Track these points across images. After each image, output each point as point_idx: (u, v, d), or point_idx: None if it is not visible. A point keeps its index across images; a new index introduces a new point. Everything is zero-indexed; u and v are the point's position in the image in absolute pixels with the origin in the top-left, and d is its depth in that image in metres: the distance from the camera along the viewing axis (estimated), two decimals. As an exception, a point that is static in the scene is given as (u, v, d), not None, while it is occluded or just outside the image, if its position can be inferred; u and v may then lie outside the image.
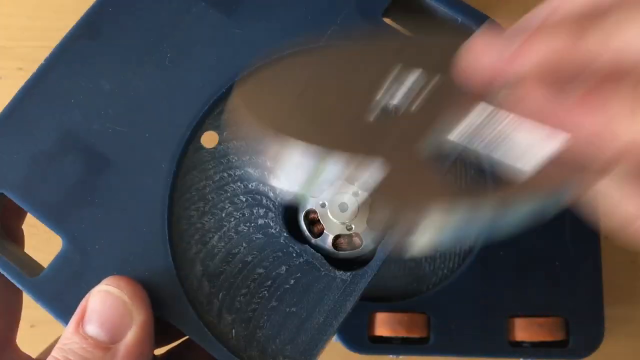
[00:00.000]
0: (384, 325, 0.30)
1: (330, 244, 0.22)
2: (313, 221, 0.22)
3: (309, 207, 0.22)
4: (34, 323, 0.24)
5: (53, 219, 0.22)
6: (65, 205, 0.22)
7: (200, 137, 0.23)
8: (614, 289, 0.33)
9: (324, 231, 0.22)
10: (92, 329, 0.19)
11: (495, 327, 0.30)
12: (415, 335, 0.30)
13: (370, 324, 0.30)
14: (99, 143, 0.22)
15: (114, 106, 0.23)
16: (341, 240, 0.22)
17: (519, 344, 0.30)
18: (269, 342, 0.21)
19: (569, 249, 0.31)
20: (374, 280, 0.22)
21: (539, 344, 0.30)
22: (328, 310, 0.22)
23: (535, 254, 0.31)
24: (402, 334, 0.30)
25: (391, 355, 0.31)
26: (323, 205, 0.22)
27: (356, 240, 0.22)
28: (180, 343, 0.25)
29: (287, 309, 0.22)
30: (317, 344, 0.21)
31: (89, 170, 0.22)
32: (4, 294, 0.23)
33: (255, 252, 0.22)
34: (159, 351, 0.26)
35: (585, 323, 0.30)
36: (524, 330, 0.30)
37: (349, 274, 0.22)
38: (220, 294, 0.22)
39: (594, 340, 0.30)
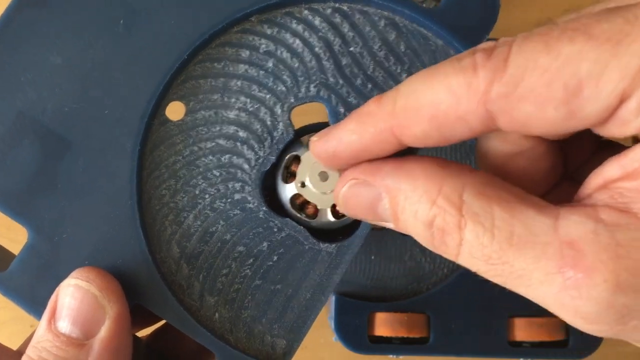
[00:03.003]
0: (384, 325, 0.30)
1: (332, 217, 0.21)
2: (302, 205, 0.22)
3: (290, 194, 0.21)
4: (34, 323, 0.24)
5: (15, 209, 0.21)
6: (27, 194, 0.21)
7: (164, 109, 0.22)
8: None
9: (318, 208, 0.21)
10: (64, 325, 0.19)
11: (495, 327, 0.31)
12: (415, 335, 0.30)
13: (370, 324, 0.31)
14: (56, 123, 0.21)
15: (69, 81, 0.21)
16: (309, 206, 0.21)
17: (519, 344, 0.31)
18: (255, 323, 0.21)
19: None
20: (360, 251, 0.21)
21: (538, 344, 0.31)
22: (315, 286, 0.21)
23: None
24: (402, 334, 0.30)
25: (391, 355, 0.31)
26: (303, 185, 0.21)
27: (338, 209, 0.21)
28: (163, 325, 0.25)
29: (272, 287, 0.21)
30: (306, 320, 0.21)
31: (48, 154, 0.21)
32: None
33: (234, 230, 0.21)
34: (145, 331, 0.25)
35: (585, 323, 0.31)
36: (524, 330, 0.30)
37: (334, 246, 0.21)
38: (201, 276, 0.21)
39: (594, 340, 0.31)
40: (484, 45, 0.16)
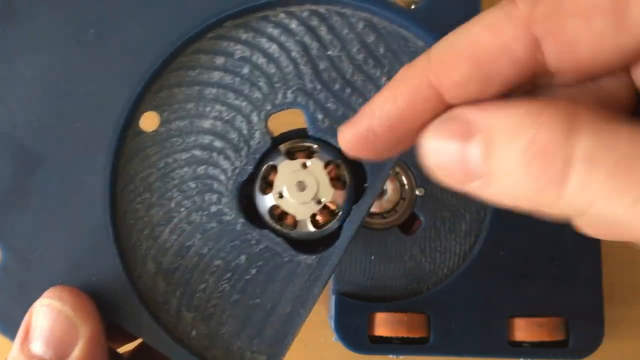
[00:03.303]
0: (384, 325, 0.30)
1: (312, 227, 0.21)
2: (281, 216, 0.21)
3: (268, 205, 0.21)
4: None
5: (-14, 228, 0.20)
6: None
7: (138, 119, 0.21)
8: (614, 289, 0.33)
9: (297, 219, 0.21)
10: (37, 347, 0.18)
11: (495, 327, 0.30)
12: (415, 335, 0.30)
13: (370, 324, 0.30)
14: (27, 138, 0.21)
15: (39, 95, 0.21)
16: (318, 217, 0.21)
17: (519, 344, 0.31)
18: (234, 339, 0.20)
19: (569, 249, 0.31)
20: (341, 261, 0.21)
21: (539, 344, 0.30)
22: (294, 299, 0.20)
23: (535, 254, 0.31)
24: (402, 334, 0.30)
25: (391, 355, 0.31)
26: (281, 196, 0.21)
27: (332, 206, 0.21)
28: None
29: (251, 302, 0.21)
30: (286, 335, 0.20)
31: (19, 169, 0.21)
32: None
33: (210, 243, 0.21)
34: (128, 346, 0.25)
35: (585, 323, 0.30)
36: (524, 330, 0.30)
37: (314, 257, 0.21)
38: (178, 292, 0.21)
39: (594, 340, 0.30)
40: None
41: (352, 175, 0.21)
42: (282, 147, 0.21)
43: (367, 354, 0.31)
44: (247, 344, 0.20)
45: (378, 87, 0.21)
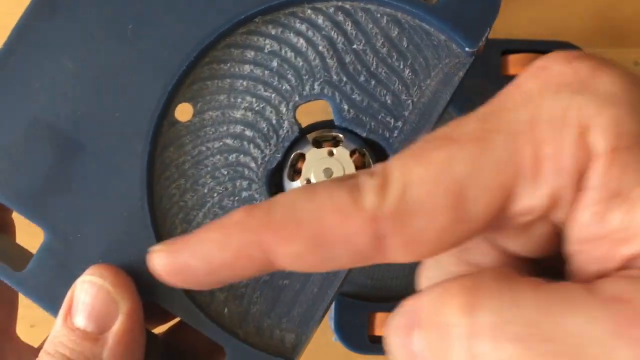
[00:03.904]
0: (384, 325, 0.31)
1: None
2: (299, 171, 0.22)
3: (301, 150, 0.22)
4: (34, 323, 0.25)
5: (31, 211, 0.22)
6: (42, 196, 0.22)
7: (173, 110, 0.23)
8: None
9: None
10: (79, 320, 0.20)
11: None
12: None
13: (370, 324, 0.31)
14: (69, 127, 0.22)
15: (80, 87, 0.22)
16: None
17: None
18: (264, 317, 0.22)
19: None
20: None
21: None
22: (321, 280, 0.22)
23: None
24: None
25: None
26: (308, 182, 0.22)
27: None
28: (178, 322, 0.26)
29: (280, 282, 0.22)
30: (314, 315, 0.22)
31: (62, 156, 0.22)
32: None
33: None
34: (159, 329, 0.26)
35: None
36: None
37: (340, 240, 0.22)
38: None
39: None
40: (364, 170, 0.15)
41: (371, 149, 0.22)
42: (310, 136, 0.23)
43: (367, 354, 0.31)
44: (276, 322, 0.22)
45: (401, 79, 0.22)
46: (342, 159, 0.22)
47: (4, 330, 0.24)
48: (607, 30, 0.40)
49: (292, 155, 0.22)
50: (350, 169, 0.22)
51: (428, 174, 0.14)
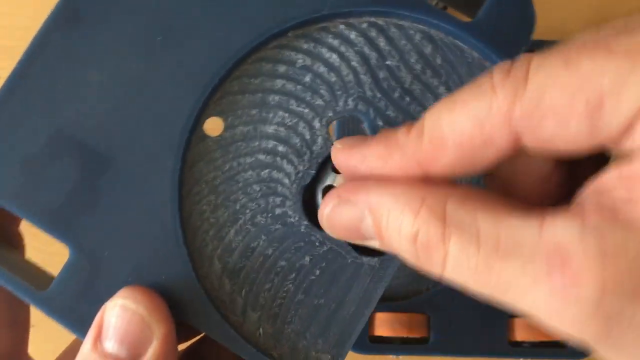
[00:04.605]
0: (384, 325, 0.31)
1: None
2: None
3: (328, 182, 0.22)
4: (34, 323, 0.24)
5: (56, 228, 0.21)
6: (67, 212, 0.21)
7: (203, 124, 0.22)
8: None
9: None
10: (111, 345, 0.19)
11: (495, 327, 0.31)
12: (415, 335, 0.31)
13: (370, 324, 0.31)
14: (95, 140, 0.22)
15: (107, 99, 0.22)
16: None
17: (519, 344, 0.31)
18: (299, 338, 0.21)
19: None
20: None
21: (539, 344, 0.31)
22: (358, 299, 0.21)
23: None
24: (402, 334, 0.31)
25: (391, 355, 0.32)
26: None
27: None
28: (200, 338, 0.25)
29: (315, 301, 0.21)
30: (351, 335, 0.21)
31: (87, 171, 0.22)
32: (12, 306, 0.23)
33: (275, 244, 0.22)
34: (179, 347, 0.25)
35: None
36: (524, 330, 0.31)
37: (376, 259, 0.22)
38: (243, 291, 0.21)
39: None
40: (501, 65, 0.17)
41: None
42: None
43: (367, 354, 0.31)
44: (311, 343, 0.21)
45: (436, 96, 0.22)
46: None
47: (16, 352, 0.23)
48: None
49: (326, 174, 0.22)
50: None
51: (572, 81, 0.15)
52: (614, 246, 0.15)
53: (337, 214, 0.19)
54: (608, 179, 0.16)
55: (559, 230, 0.15)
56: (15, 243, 0.25)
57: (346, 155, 0.19)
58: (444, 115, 0.17)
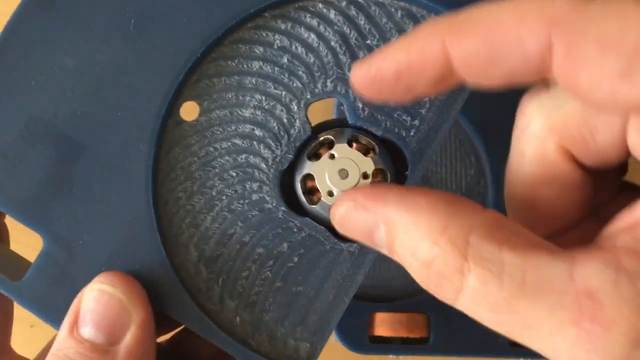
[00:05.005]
0: (384, 325, 0.31)
1: (328, 213, 0.21)
2: (311, 190, 0.22)
3: (306, 171, 0.21)
4: (34, 323, 0.24)
5: (29, 217, 0.21)
6: (40, 200, 0.21)
7: (179, 109, 0.22)
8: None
9: (322, 199, 0.21)
10: (88, 331, 0.19)
11: None
12: (415, 335, 0.31)
13: (370, 324, 0.31)
14: (69, 127, 0.21)
15: (81, 84, 0.22)
16: None
17: (519, 344, 0.31)
18: (278, 326, 0.21)
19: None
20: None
21: None
22: (337, 286, 0.21)
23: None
24: (402, 334, 0.31)
25: (391, 355, 0.32)
26: (330, 193, 0.21)
27: None
28: (183, 329, 0.25)
29: (294, 289, 0.21)
30: (329, 322, 0.21)
31: (61, 158, 0.21)
32: None
33: (252, 231, 0.21)
34: (162, 338, 0.25)
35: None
36: None
37: (356, 245, 0.21)
38: (220, 279, 0.21)
39: None
40: None
41: (392, 163, 0.22)
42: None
43: (367, 354, 0.31)
44: (290, 331, 0.21)
45: None
46: (348, 156, 0.21)
47: (0, 344, 0.23)
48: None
49: (304, 161, 0.22)
50: (366, 163, 0.21)
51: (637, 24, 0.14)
52: None
53: (351, 217, 0.18)
54: None
55: (591, 273, 0.15)
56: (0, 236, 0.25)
57: (365, 65, 0.18)
58: (486, 7, 0.16)
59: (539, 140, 0.18)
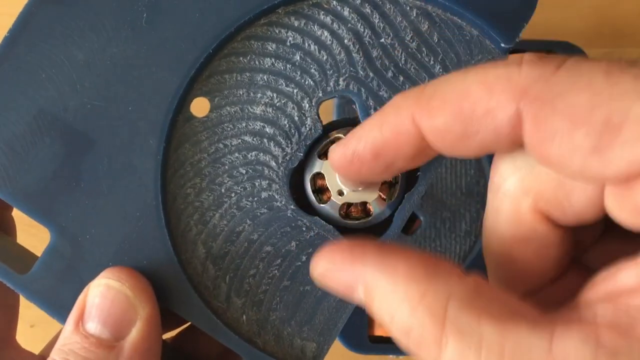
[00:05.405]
0: (384, 325, 0.30)
1: (338, 212, 0.21)
2: (321, 189, 0.21)
3: (316, 170, 0.21)
4: (34, 323, 0.24)
5: (37, 210, 0.21)
6: (49, 194, 0.21)
7: (189, 105, 0.22)
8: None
9: (331, 198, 0.21)
10: (94, 326, 0.19)
11: None
12: None
13: (370, 324, 0.31)
14: (78, 121, 0.21)
15: (91, 78, 0.22)
16: (352, 208, 0.21)
17: None
18: (284, 325, 0.21)
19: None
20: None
21: None
22: (345, 287, 0.21)
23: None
24: None
25: (391, 355, 0.32)
26: (340, 193, 0.21)
27: (369, 208, 0.21)
28: (191, 325, 0.25)
29: (301, 288, 0.21)
30: (336, 322, 0.21)
31: (70, 152, 0.21)
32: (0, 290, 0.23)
33: (261, 229, 0.21)
34: (167, 335, 0.25)
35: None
36: None
37: (365, 245, 0.21)
38: (227, 277, 0.21)
39: None
40: (538, 53, 0.16)
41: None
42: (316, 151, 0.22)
43: (367, 354, 0.31)
44: (297, 330, 0.21)
45: (432, 75, 0.22)
46: None
47: (3, 337, 0.23)
48: (607, 30, 0.40)
49: (314, 159, 0.22)
50: None
51: (605, 92, 0.14)
52: None
53: (330, 277, 0.18)
54: (624, 280, 0.15)
55: (570, 348, 0.14)
56: (7, 228, 0.25)
57: (341, 147, 0.18)
58: (453, 78, 0.16)
59: (513, 200, 0.18)
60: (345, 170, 0.19)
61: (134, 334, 0.19)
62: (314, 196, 0.22)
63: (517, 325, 0.15)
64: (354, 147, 0.18)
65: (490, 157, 0.31)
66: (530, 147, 0.16)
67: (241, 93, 0.22)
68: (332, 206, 0.21)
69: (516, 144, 0.16)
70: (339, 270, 0.17)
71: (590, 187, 0.16)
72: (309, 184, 0.22)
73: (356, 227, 0.22)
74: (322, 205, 0.21)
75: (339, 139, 0.22)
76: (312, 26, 0.22)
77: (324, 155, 0.22)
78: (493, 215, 0.18)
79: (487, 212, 0.19)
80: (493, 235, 0.18)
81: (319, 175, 0.21)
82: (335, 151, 0.19)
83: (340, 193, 0.21)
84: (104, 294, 0.19)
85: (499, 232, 0.18)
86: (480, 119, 0.16)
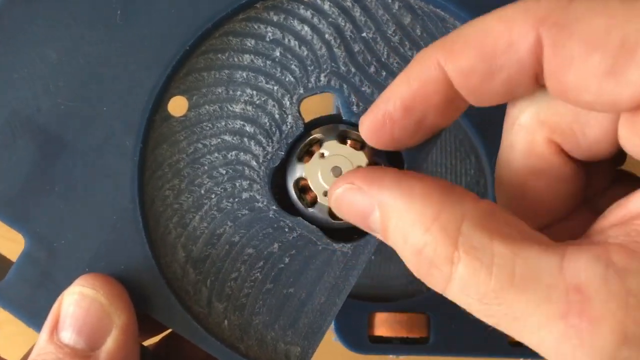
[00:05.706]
0: (384, 325, 0.31)
1: (327, 213, 0.21)
2: (304, 189, 0.21)
3: (298, 174, 0.21)
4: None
5: (10, 215, 0.21)
6: (22, 198, 0.21)
7: (166, 104, 0.21)
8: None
9: (318, 200, 0.21)
10: (68, 335, 0.18)
11: None
12: (415, 335, 0.31)
13: (370, 324, 0.31)
14: (52, 122, 0.21)
15: (64, 78, 0.21)
16: None
17: (519, 344, 0.31)
18: (268, 329, 0.21)
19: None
20: (375, 250, 0.21)
21: None
22: (329, 288, 0.21)
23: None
24: (402, 334, 0.31)
25: (391, 355, 0.32)
26: (325, 194, 0.21)
27: None
28: (172, 331, 0.25)
29: (284, 291, 0.21)
30: (321, 326, 0.20)
31: (43, 154, 0.21)
32: None
33: (242, 231, 0.21)
34: (149, 342, 0.25)
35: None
36: None
37: (349, 245, 0.21)
38: (208, 281, 0.21)
39: None
40: None
41: (389, 161, 0.21)
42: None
43: (367, 354, 0.31)
44: (280, 335, 0.21)
45: None
46: (339, 152, 0.21)
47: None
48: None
49: (295, 164, 0.21)
50: (358, 157, 0.21)
51: (621, 17, 0.15)
52: (639, 289, 0.14)
53: (347, 199, 0.18)
54: (636, 205, 0.15)
55: (581, 267, 0.15)
56: None
57: (370, 114, 0.19)
58: (474, 21, 0.17)
59: (528, 131, 0.18)
60: (377, 136, 0.19)
61: (110, 343, 0.18)
62: (299, 200, 0.21)
63: (529, 246, 0.15)
64: (384, 109, 0.18)
65: (490, 157, 0.31)
66: (549, 76, 0.16)
67: (220, 91, 0.21)
68: (319, 209, 0.21)
69: (538, 83, 0.16)
70: (356, 192, 0.18)
71: (605, 119, 0.17)
72: (293, 190, 0.21)
73: (344, 227, 0.21)
74: (309, 209, 0.21)
75: (316, 139, 0.21)
76: (291, 21, 0.21)
77: (305, 156, 0.21)
78: (507, 150, 0.18)
79: (501, 148, 0.19)
80: (506, 169, 0.18)
81: (301, 179, 0.21)
82: (364, 120, 0.19)
83: (326, 194, 0.20)
84: (78, 303, 0.19)
85: (512, 166, 0.18)
86: (503, 53, 0.16)
